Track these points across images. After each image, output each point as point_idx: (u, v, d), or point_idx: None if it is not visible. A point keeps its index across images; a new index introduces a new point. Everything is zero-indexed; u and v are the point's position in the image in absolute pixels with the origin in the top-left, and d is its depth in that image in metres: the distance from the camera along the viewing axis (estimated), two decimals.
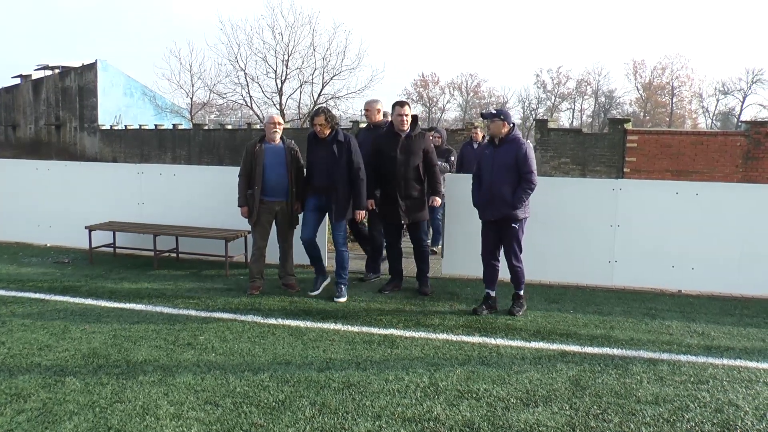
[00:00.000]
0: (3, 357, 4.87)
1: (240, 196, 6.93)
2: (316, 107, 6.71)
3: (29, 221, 9.34)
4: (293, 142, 7.09)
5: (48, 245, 9.29)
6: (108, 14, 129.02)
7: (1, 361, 4.79)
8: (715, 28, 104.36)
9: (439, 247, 8.88)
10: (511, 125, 6.17)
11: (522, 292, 6.35)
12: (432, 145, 7.02)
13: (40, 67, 53.97)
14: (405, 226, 6.99)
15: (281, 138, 6.99)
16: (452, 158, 8.98)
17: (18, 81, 57.21)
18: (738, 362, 5.05)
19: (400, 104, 6.85)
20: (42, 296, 6.66)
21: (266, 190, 6.82)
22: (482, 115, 6.31)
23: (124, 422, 3.86)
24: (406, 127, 6.77)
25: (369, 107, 7.49)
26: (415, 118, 6.86)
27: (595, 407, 4.18)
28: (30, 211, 9.31)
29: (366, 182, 6.69)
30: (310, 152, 6.77)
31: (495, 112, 6.20)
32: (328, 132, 6.60)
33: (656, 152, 17.22)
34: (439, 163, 7.96)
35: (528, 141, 6.47)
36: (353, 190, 6.60)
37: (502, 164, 6.08)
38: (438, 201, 7.01)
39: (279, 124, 6.99)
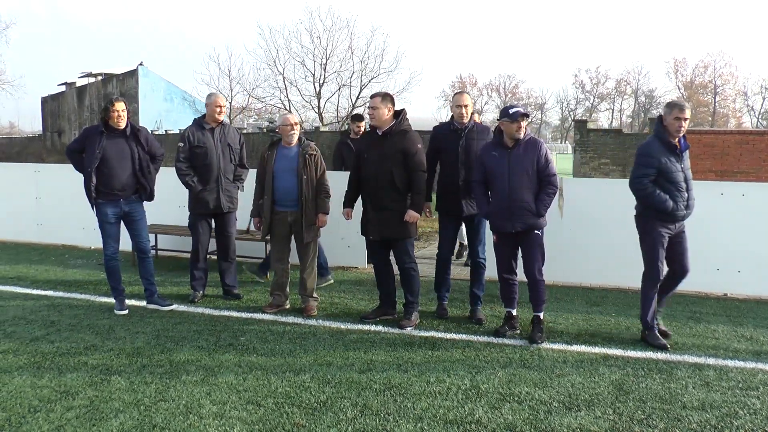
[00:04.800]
0: (52, 356, 5.00)
1: (253, 206, 6.54)
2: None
3: (75, 224, 9.59)
4: (313, 144, 6.37)
5: (92, 248, 9.50)
6: (149, 23, 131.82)
7: (51, 359, 4.92)
8: (760, 24, 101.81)
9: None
10: None
11: (542, 315, 5.63)
12: (417, 146, 5.77)
13: (83, 74, 55.26)
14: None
15: (300, 140, 6.28)
16: None
17: (63, 88, 58.69)
18: None
19: (371, 96, 5.95)
20: (88, 297, 6.83)
21: (277, 199, 6.23)
22: (510, 115, 5.32)
23: (168, 420, 3.92)
24: (378, 122, 5.77)
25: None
26: (398, 113, 5.82)
27: (639, 412, 4.10)
28: (75, 214, 9.49)
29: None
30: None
31: (526, 112, 5.43)
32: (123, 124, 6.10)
33: (699, 152, 16.81)
34: None
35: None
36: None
37: (522, 169, 5.37)
38: (413, 216, 5.76)
39: (296, 124, 6.25)
